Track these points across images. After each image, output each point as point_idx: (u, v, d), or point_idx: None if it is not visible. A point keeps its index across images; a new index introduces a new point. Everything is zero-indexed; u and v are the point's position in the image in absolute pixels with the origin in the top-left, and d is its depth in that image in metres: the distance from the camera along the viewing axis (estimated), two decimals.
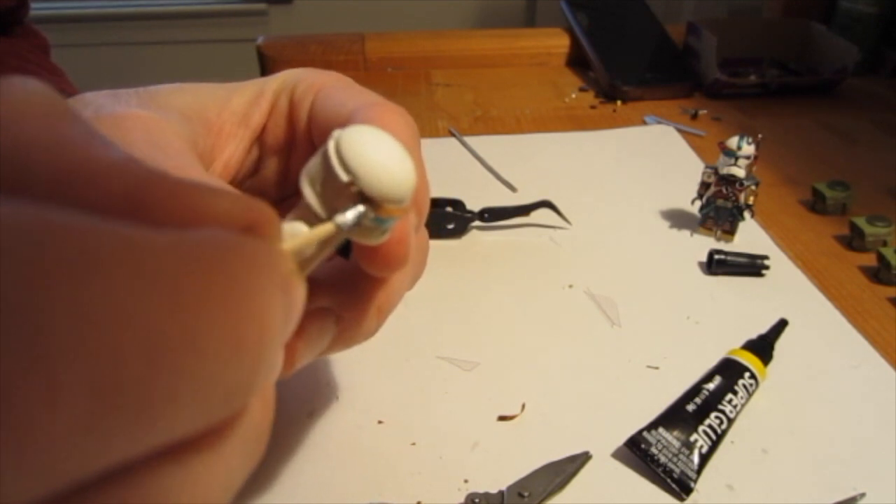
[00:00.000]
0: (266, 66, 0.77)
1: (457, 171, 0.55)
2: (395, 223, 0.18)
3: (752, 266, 0.42)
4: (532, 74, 0.78)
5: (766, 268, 0.42)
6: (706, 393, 0.32)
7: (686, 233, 0.47)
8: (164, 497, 0.10)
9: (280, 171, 0.27)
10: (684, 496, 0.29)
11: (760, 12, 0.93)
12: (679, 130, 0.63)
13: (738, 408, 0.32)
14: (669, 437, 0.30)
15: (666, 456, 0.29)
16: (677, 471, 0.29)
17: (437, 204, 0.45)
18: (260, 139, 0.27)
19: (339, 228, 0.16)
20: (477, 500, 0.28)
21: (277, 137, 0.26)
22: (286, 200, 0.28)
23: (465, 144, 0.59)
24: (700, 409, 0.31)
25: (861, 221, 0.45)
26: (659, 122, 0.65)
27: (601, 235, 0.47)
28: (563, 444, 0.30)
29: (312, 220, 0.16)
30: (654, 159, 0.57)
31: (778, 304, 0.39)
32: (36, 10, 0.55)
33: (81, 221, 0.09)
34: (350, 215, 0.16)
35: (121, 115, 0.22)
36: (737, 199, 0.44)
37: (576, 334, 0.38)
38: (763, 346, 0.35)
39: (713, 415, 0.31)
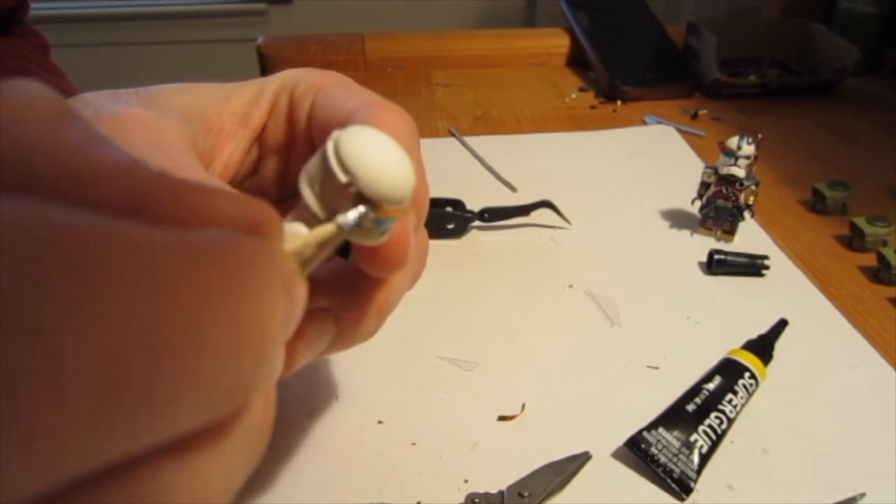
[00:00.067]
0: (266, 66, 0.77)
1: (457, 171, 0.55)
2: (394, 224, 0.18)
3: (752, 266, 0.42)
4: (532, 74, 0.78)
5: (766, 268, 0.42)
6: (706, 393, 0.32)
7: (686, 233, 0.47)
8: (166, 493, 0.10)
9: (280, 171, 0.27)
10: (684, 496, 0.29)
11: (760, 12, 0.93)
12: (679, 130, 0.63)
13: (738, 408, 0.32)
14: (669, 437, 0.30)
15: (666, 456, 0.29)
16: (677, 471, 0.29)
17: (437, 204, 0.45)
18: (259, 139, 0.27)
19: (340, 229, 0.16)
20: (477, 500, 0.28)
21: (277, 137, 0.26)
22: (286, 200, 0.28)
23: (465, 144, 0.59)
24: (700, 409, 0.31)
25: (861, 221, 0.45)
26: (659, 122, 0.65)
27: (601, 235, 0.47)
28: (563, 444, 0.30)
29: (311, 220, 0.16)
30: (654, 159, 0.57)
31: (778, 304, 0.39)
32: (36, 10, 0.55)
33: (84, 219, 0.09)
34: (351, 216, 0.16)
35: (120, 115, 0.22)
36: (737, 199, 0.44)
37: (576, 334, 0.38)
38: (763, 346, 0.35)
39: (713, 415, 0.31)
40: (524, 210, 0.47)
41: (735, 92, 0.70)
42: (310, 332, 0.20)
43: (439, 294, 0.40)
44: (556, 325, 0.38)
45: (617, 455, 0.30)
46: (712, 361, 0.35)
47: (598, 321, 0.39)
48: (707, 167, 0.45)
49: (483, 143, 0.59)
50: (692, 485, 0.29)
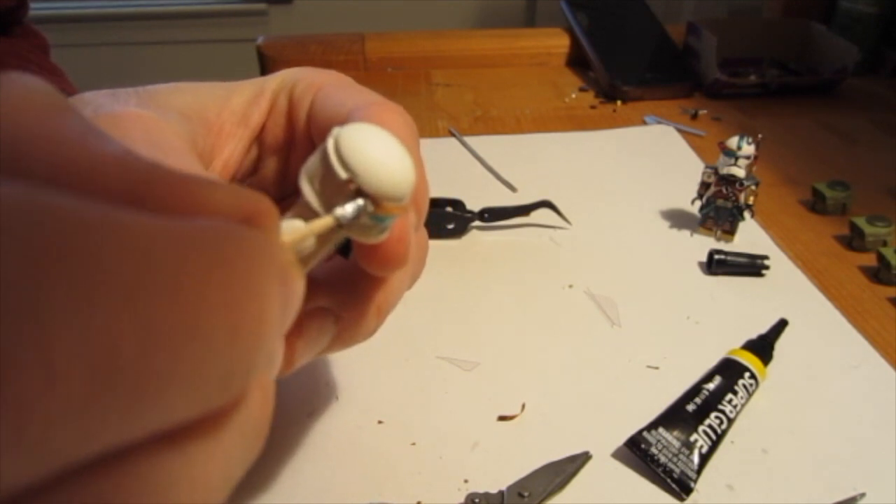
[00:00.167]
0: (266, 66, 0.77)
1: (457, 171, 0.55)
2: (394, 222, 0.18)
3: (752, 266, 0.42)
4: (532, 74, 0.78)
5: (766, 268, 0.42)
6: (706, 393, 0.32)
7: (686, 233, 0.47)
8: (164, 483, 0.10)
9: (279, 170, 0.27)
10: (684, 496, 0.29)
11: (760, 12, 0.93)
12: (679, 130, 0.63)
13: (738, 408, 0.32)
14: (669, 437, 0.30)
15: (666, 456, 0.29)
16: (677, 471, 0.29)
17: (437, 204, 0.45)
18: (259, 138, 0.27)
19: (338, 221, 0.16)
20: (477, 500, 0.28)
21: (277, 137, 0.26)
22: (285, 199, 0.28)
23: (465, 144, 0.59)
24: (700, 409, 0.31)
25: (861, 221, 0.45)
26: (659, 122, 0.65)
27: (601, 235, 0.47)
28: (563, 444, 0.30)
29: (311, 217, 0.16)
30: (654, 159, 0.57)
31: (778, 304, 0.39)
32: (36, 10, 0.55)
33: (79, 205, 0.09)
34: (349, 208, 0.16)
35: (120, 115, 0.22)
36: (737, 199, 0.44)
37: (576, 334, 0.38)
38: (763, 346, 0.35)
39: (713, 415, 0.31)
40: (524, 210, 0.47)
41: (735, 92, 0.70)
42: (310, 331, 0.20)
43: (439, 294, 0.40)
44: (556, 325, 0.38)
45: (617, 455, 0.30)
46: (712, 361, 0.35)
47: (598, 321, 0.39)
48: (707, 167, 0.45)
49: (483, 143, 0.59)
50: (692, 485, 0.29)
